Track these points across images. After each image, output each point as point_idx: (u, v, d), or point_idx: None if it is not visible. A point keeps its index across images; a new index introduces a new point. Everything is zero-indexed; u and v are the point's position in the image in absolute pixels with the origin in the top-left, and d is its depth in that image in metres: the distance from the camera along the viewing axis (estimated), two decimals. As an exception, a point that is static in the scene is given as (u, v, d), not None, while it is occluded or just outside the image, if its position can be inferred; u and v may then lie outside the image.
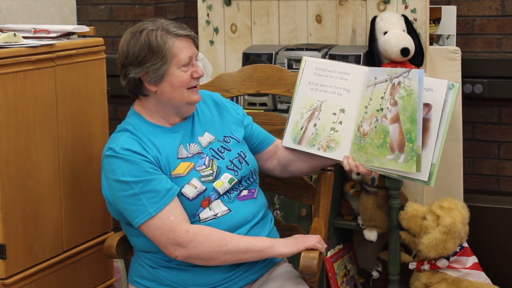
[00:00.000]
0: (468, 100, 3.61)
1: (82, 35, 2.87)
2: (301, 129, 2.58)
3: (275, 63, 3.42)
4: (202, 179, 2.43)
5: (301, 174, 2.70)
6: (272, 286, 2.44)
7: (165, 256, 2.41)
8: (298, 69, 2.64)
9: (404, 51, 3.29)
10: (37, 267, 2.61)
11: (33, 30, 2.73)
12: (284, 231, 2.68)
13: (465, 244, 3.20)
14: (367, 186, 3.31)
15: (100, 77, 2.87)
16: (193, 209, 2.40)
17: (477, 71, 3.60)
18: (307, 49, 3.42)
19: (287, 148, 2.62)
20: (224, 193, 2.45)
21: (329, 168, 2.71)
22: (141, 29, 2.42)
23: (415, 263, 3.25)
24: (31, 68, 2.54)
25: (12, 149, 2.48)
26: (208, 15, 3.78)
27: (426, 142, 2.39)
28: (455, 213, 3.13)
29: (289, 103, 3.31)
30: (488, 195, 3.65)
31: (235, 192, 2.48)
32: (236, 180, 2.48)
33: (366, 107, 2.48)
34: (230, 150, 2.52)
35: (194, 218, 2.40)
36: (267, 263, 2.50)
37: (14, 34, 2.55)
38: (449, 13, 3.58)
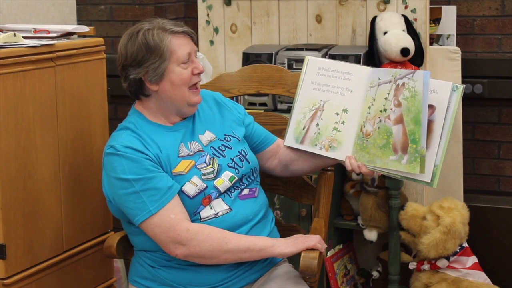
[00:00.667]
0: (468, 100, 3.61)
1: (82, 35, 2.87)
2: (303, 128, 2.58)
3: (275, 63, 3.42)
4: (203, 177, 2.43)
5: (302, 173, 2.70)
6: (272, 286, 2.44)
7: (165, 255, 2.41)
8: (298, 69, 2.65)
9: (404, 51, 3.29)
10: (37, 267, 2.61)
11: (33, 30, 2.73)
12: (284, 231, 2.68)
13: (465, 244, 3.20)
14: (367, 186, 3.31)
15: (100, 77, 2.87)
16: (193, 207, 2.40)
17: (477, 71, 3.60)
18: (307, 49, 3.42)
19: (289, 148, 2.62)
20: (225, 192, 2.45)
21: (329, 168, 2.71)
22: (138, 30, 2.43)
23: (415, 263, 3.25)
24: (31, 68, 2.54)
25: (12, 149, 2.48)
26: (208, 15, 3.78)
27: (430, 143, 2.39)
28: (455, 213, 3.13)
29: (289, 103, 3.32)
30: (488, 195, 3.65)
31: (236, 190, 2.48)
32: (236, 178, 2.48)
33: (369, 107, 2.48)
34: (231, 148, 2.53)
35: (194, 217, 2.40)
36: (267, 263, 2.50)
37: (14, 34, 2.55)
38: (449, 13, 3.58)
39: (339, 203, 3.45)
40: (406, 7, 3.45)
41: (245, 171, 2.51)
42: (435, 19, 3.59)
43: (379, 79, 2.49)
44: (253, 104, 3.47)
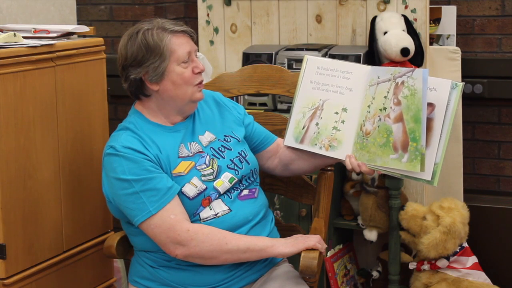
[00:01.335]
0: (468, 100, 3.61)
1: (82, 35, 2.87)
2: (303, 128, 2.58)
3: (275, 63, 3.42)
4: (203, 178, 2.43)
5: (302, 173, 2.70)
6: (272, 286, 2.44)
7: (165, 255, 2.41)
8: (298, 69, 2.64)
9: (404, 51, 3.29)
10: (37, 267, 2.61)
11: (33, 30, 2.73)
12: (284, 231, 2.68)
13: (465, 244, 3.20)
14: (367, 186, 3.31)
15: (100, 77, 2.87)
16: (193, 208, 2.40)
17: (477, 71, 3.60)
18: (307, 49, 3.42)
19: (288, 147, 2.62)
20: (225, 193, 2.45)
21: (329, 168, 2.71)
22: (138, 30, 2.43)
23: (415, 263, 3.25)
24: (31, 68, 2.54)
25: (12, 149, 2.48)
26: (208, 15, 3.78)
27: (430, 141, 2.39)
28: (455, 213, 3.13)
29: (289, 103, 3.32)
30: (488, 195, 3.65)
31: (235, 191, 2.48)
32: (236, 179, 2.48)
33: (369, 106, 2.48)
34: (231, 149, 2.53)
35: (194, 217, 2.40)
36: (267, 263, 2.50)
37: (14, 34, 2.55)
38: (449, 13, 3.58)
39: (339, 203, 3.45)
40: (406, 7, 3.45)
41: (244, 172, 2.51)
42: (435, 19, 3.59)
43: (378, 77, 2.49)
44: (253, 104, 3.47)
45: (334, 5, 3.57)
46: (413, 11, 3.44)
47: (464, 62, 3.53)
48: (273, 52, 3.48)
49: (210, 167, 2.46)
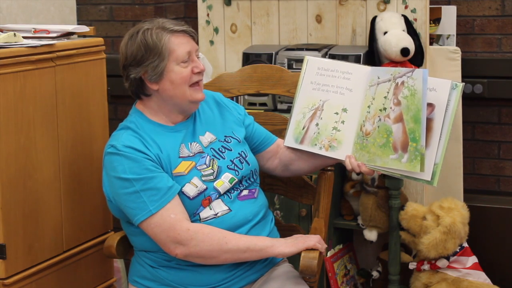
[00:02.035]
0: (468, 100, 3.61)
1: (82, 35, 2.87)
2: (303, 128, 2.58)
3: (275, 63, 3.42)
4: (203, 178, 2.43)
5: (303, 173, 2.70)
6: (272, 286, 2.44)
7: (165, 255, 2.41)
8: (298, 69, 2.64)
9: (404, 51, 3.29)
10: (37, 267, 2.61)
11: (33, 30, 2.73)
12: (284, 231, 2.68)
13: (465, 244, 3.20)
14: (367, 186, 3.31)
15: (100, 77, 2.87)
16: (193, 208, 2.40)
17: (477, 71, 3.60)
18: (307, 49, 3.42)
19: (289, 148, 2.62)
20: (225, 193, 2.45)
21: (329, 168, 2.71)
22: (138, 30, 2.44)
23: (415, 263, 3.25)
24: (31, 68, 2.54)
25: (12, 149, 2.48)
26: (208, 15, 3.78)
27: (429, 141, 2.39)
28: (455, 213, 3.13)
29: (289, 103, 3.32)
30: (488, 195, 3.65)
31: (235, 191, 2.48)
32: (236, 179, 2.48)
33: (369, 106, 2.48)
34: (231, 150, 2.53)
35: (194, 217, 2.40)
36: (267, 263, 2.50)
37: (14, 34, 2.55)
38: (449, 13, 3.58)
39: (339, 203, 3.45)
40: (406, 7, 3.45)
41: (245, 173, 2.51)
42: (435, 19, 3.59)
43: (378, 78, 2.49)
44: (253, 104, 3.47)
45: (334, 5, 3.57)
46: (413, 11, 3.44)
47: (464, 62, 3.53)
48: (273, 52, 3.47)
49: (210, 167, 2.46)
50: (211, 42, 3.79)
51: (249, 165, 2.54)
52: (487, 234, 3.47)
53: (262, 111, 3.00)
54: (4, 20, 3.52)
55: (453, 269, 3.18)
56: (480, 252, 3.30)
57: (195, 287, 2.41)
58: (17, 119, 2.50)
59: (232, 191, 2.47)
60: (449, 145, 2.42)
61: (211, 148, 2.51)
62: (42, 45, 2.58)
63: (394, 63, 3.32)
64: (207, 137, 2.52)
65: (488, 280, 3.22)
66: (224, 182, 2.45)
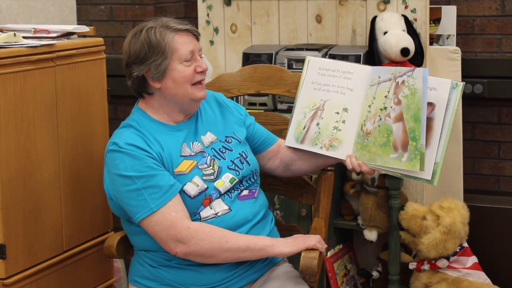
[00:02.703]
0: (468, 100, 3.61)
1: (82, 35, 2.87)
2: (303, 128, 2.58)
3: (275, 63, 3.42)
4: (204, 178, 2.43)
5: (303, 173, 2.70)
6: (272, 286, 2.44)
7: (166, 255, 2.41)
8: (298, 69, 2.65)
9: (404, 51, 3.29)
10: (37, 267, 2.61)
11: (33, 30, 2.73)
12: (284, 231, 2.68)
13: (465, 244, 3.20)
14: (367, 186, 3.31)
15: (100, 77, 2.87)
16: (194, 207, 2.40)
17: (477, 71, 3.60)
18: (307, 49, 3.42)
19: (289, 148, 2.62)
20: (225, 192, 2.45)
21: (329, 168, 2.71)
22: (141, 28, 2.45)
23: (415, 263, 3.25)
24: (31, 68, 2.54)
25: (12, 149, 2.48)
26: (208, 15, 3.78)
27: (430, 141, 2.40)
28: (455, 213, 3.13)
29: (289, 103, 3.33)
30: (488, 195, 3.65)
31: (236, 191, 2.48)
32: (237, 179, 2.48)
33: (369, 106, 2.48)
34: (232, 150, 2.53)
35: (195, 216, 2.41)
36: (267, 263, 2.50)
37: (14, 34, 2.55)
38: (449, 13, 3.58)
39: (339, 203, 3.45)
40: (406, 7, 3.45)
41: (245, 173, 2.52)
42: (435, 19, 3.59)
43: (379, 77, 2.49)
44: (253, 104, 3.47)
45: (334, 5, 3.57)
46: (413, 11, 3.44)
47: (464, 62, 3.53)
48: (273, 52, 3.47)
49: (211, 167, 2.46)
50: (211, 42, 3.79)
51: (249, 165, 2.54)
52: (487, 234, 3.47)
53: (262, 111, 3.00)
54: (4, 20, 3.52)
55: (453, 269, 3.18)
56: (480, 252, 3.30)
57: (195, 286, 2.42)
58: (17, 119, 2.50)
59: (233, 191, 2.48)
60: (449, 145, 2.42)
61: (212, 148, 2.51)
62: (42, 45, 2.58)
63: (394, 63, 3.32)
64: (208, 137, 2.52)
65: (488, 280, 3.22)
66: (224, 182, 2.46)
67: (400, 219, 3.21)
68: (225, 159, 2.50)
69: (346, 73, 2.56)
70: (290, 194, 2.81)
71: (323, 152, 2.55)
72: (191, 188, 2.40)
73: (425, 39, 3.42)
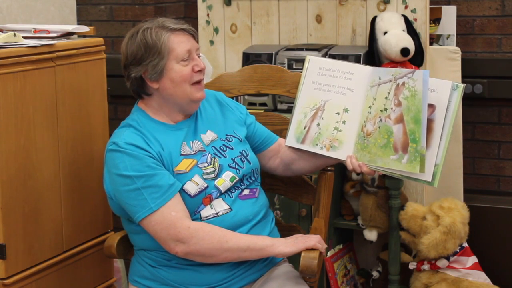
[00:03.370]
0: (468, 100, 3.61)
1: (82, 35, 2.87)
2: (304, 128, 2.58)
3: (275, 63, 3.42)
4: (204, 177, 2.43)
5: (304, 173, 2.70)
6: (272, 286, 2.44)
7: (166, 255, 2.41)
8: (298, 69, 2.65)
9: (404, 51, 3.29)
10: (37, 267, 2.61)
11: (33, 30, 2.73)
12: (284, 231, 2.68)
13: (465, 244, 3.20)
14: (367, 186, 3.31)
15: (100, 77, 2.87)
16: (194, 206, 2.40)
17: (477, 71, 3.60)
18: (307, 49, 3.42)
19: (290, 147, 2.62)
20: (226, 191, 2.45)
21: (329, 168, 2.71)
22: (138, 29, 2.46)
23: (415, 263, 3.25)
24: (31, 68, 2.54)
25: (12, 149, 2.48)
26: (208, 15, 3.78)
27: (430, 142, 2.39)
28: (455, 213, 3.13)
29: (289, 103, 3.32)
30: (488, 195, 3.65)
31: (236, 191, 2.48)
32: (237, 178, 2.48)
33: (370, 107, 2.48)
34: (232, 149, 2.53)
35: (195, 216, 2.41)
36: (268, 263, 2.50)
37: (14, 34, 2.55)
38: (449, 13, 3.58)
39: (339, 203, 3.45)
40: (406, 7, 3.45)
41: (246, 172, 2.52)
42: (435, 19, 3.59)
43: (379, 78, 2.49)
44: (253, 104, 3.47)
45: (334, 5, 3.57)
46: (413, 11, 3.44)
47: (464, 62, 3.53)
48: (273, 52, 3.47)
49: (212, 165, 2.46)
50: (211, 42, 3.79)
51: (250, 163, 2.54)
52: (487, 234, 3.47)
53: (262, 111, 3.00)
54: (4, 20, 3.52)
55: (453, 269, 3.18)
56: (480, 252, 3.30)
57: (195, 286, 2.42)
58: (17, 119, 2.50)
59: (233, 190, 2.48)
60: (449, 145, 2.42)
61: (213, 146, 2.51)
62: (42, 45, 2.58)
63: (394, 63, 3.32)
64: (208, 136, 2.52)
65: (488, 280, 3.22)
66: (225, 180, 2.46)
67: (400, 219, 3.21)
68: (226, 157, 2.50)
69: (346, 74, 2.56)
70: (290, 194, 2.81)
71: (324, 152, 2.55)
72: (191, 187, 2.41)
73: (425, 39, 3.42)
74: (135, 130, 2.43)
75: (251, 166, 2.54)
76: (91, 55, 2.82)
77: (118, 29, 3.97)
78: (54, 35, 2.72)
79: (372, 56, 3.37)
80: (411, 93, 2.40)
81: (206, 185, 2.42)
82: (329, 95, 2.57)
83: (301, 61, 2.63)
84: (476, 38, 3.65)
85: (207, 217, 2.41)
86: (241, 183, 2.51)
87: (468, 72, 3.56)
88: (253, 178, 2.55)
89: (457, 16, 3.59)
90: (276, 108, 3.46)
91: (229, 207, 2.44)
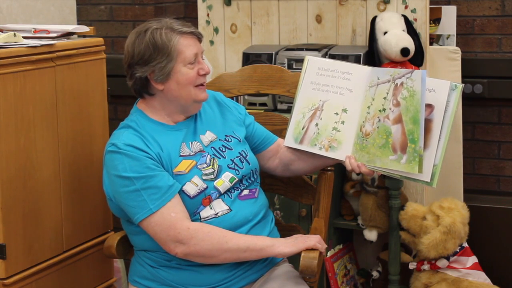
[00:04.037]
0: (468, 100, 3.61)
1: (82, 35, 2.87)
2: (302, 128, 2.58)
3: (275, 63, 3.42)
4: (204, 177, 2.43)
5: (303, 173, 2.70)
6: (272, 286, 2.44)
7: (165, 255, 2.41)
8: (298, 69, 2.64)
9: (404, 51, 3.29)
10: (37, 267, 2.61)
11: (33, 30, 2.73)
12: (284, 231, 2.68)
13: (465, 244, 3.20)
14: (367, 186, 3.31)
15: (100, 77, 2.87)
16: (193, 207, 2.40)
17: (477, 71, 3.60)
18: (307, 49, 3.42)
19: (289, 148, 2.62)
20: (225, 192, 2.45)
21: (329, 168, 2.71)
22: (146, 29, 2.44)
23: (415, 263, 3.25)
24: (31, 68, 2.54)
25: (12, 149, 2.48)
26: (208, 15, 3.78)
27: (429, 142, 2.39)
28: (455, 213, 3.13)
29: (289, 103, 3.32)
30: (488, 195, 3.65)
31: (236, 191, 2.48)
32: (237, 179, 2.48)
33: (368, 107, 2.48)
34: (232, 149, 2.53)
35: (194, 216, 2.41)
36: (267, 263, 2.50)
37: (14, 34, 2.55)
38: (449, 13, 3.58)
39: (339, 203, 3.45)
40: (406, 7, 3.45)
41: (245, 172, 2.52)
42: (435, 19, 3.59)
43: (378, 78, 2.49)
44: (253, 104, 3.47)
45: (334, 5, 3.57)
46: (413, 11, 3.44)
47: (464, 62, 3.52)
48: (273, 52, 3.48)
49: (211, 166, 2.46)
50: (211, 42, 3.79)
51: (249, 164, 2.54)
52: (487, 234, 3.47)
53: (262, 111, 3.00)
54: (4, 20, 3.52)
55: (453, 269, 3.18)
56: (480, 252, 3.30)
57: (195, 287, 2.42)
58: (17, 119, 2.50)
59: (233, 191, 2.48)
60: (449, 145, 2.42)
61: (212, 147, 2.51)
62: (42, 45, 2.58)
63: (394, 63, 3.32)
64: (207, 136, 2.52)
65: (488, 280, 3.22)
66: (224, 181, 2.46)
67: (400, 219, 3.21)
68: (225, 158, 2.50)
69: (345, 74, 2.56)
70: (290, 194, 2.81)
71: (322, 152, 2.55)
72: (191, 188, 2.40)
73: (425, 39, 3.42)
74: (134, 131, 2.43)
75: (250, 166, 2.54)
76: (91, 55, 2.82)
77: (118, 29, 3.97)
78: (54, 35, 2.73)
79: (372, 56, 3.37)
80: (410, 93, 2.40)
81: (205, 186, 2.42)
82: (327, 95, 2.57)
83: (301, 61, 2.63)
84: (476, 38, 3.65)
85: (206, 217, 2.41)
86: (241, 184, 2.50)
87: (468, 72, 3.56)
88: (252, 179, 2.55)
89: (457, 16, 3.59)
90: (276, 108, 3.46)
91: (228, 208, 2.44)
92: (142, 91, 2.47)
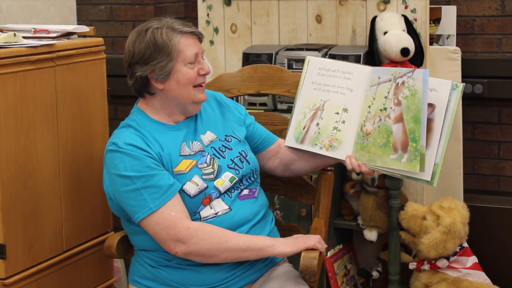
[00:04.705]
0: (468, 100, 3.61)
1: (82, 35, 2.87)
2: (303, 128, 2.58)
3: (275, 63, 3.42)
4: (204, 177, 2.43)
5: (303, 173, 2.70)
6: (272, 286, 2.44)
7: (166, 255, 2.41)
8: (298, 69, 2.65)
9: (404, 51, 3.29)
10: (37, 267, 2.61)
11: (33, 30, 2.73)
12: (284, 231, 2.68)
13: (465, 244, 3.20)
14: (367, 186, 3.31)
15: (100, 77, 2.87)
16: (194, 206, 2.40)
17: (477, 71, 3.60)
18: (307, 49, 3.42)
19: (289, 148, 2.62)
20: (225, 192, 2.45)
21: (329, 168, 2.71)
22: (146, 28, 2.44)
23: (415, 263, 3.25)
24: (31, 68, 2.54)
25: (12, 149, 2.48)
26: (208, 15, 3.78)
27: (430, 142, 2.40)
28: (455, 213, 3.13)
29: (289, 103, 3.33)
30: (488, 195, 3.65)
31: (236, 191, 2.48)
32: (237, 178, 2.48)
33: (369, 106, 2.48)
34: (232, 149, 2.53)
35: (194, 216, 2.41)
36: (268, 263, 2.50)
37: (14, 34, 2.55)
38: (449, 13, 3.58)
39: (339, 203, 3.45)
40: (406, 7, 3.45)
41: (245, 172, 2.52)
42: (435, 19, 3.59)
43: (379, 78, 2.49)
44: (253, 104, 3.47)
45: (334, 5, 3.57)
46: (413, 11, 3.44)
47: (464, 62, 3.53)
48: (273, 52, 3.48)
49: (211, 166, 2.46)
50: (211, 42, 3.79)
51: (249, 164, 2.54)
52: (487, 234, 3.47)
53: (262, 111, 3.00)
54: (4, 20, 3.52)
55: (453, 269, 3.18)
56: (480, 252, 3.30)
57: (195, 286, 2.42)
58: (17, 119, 2.50)
59: (233, 190, 2.48)
60: (449, 145, 2.42)
61: (212, 147, 2.51)
62: (42, 45, 2.58)
63: (394, 63, 3.32)
64: (208, 136, 2.53)
65: (488, 280, 3.22)
66: (224, 181, 2.46)
67: (400, 219, 3.21)
68: (225, 158, 2.50)
69: (346, 73, 2.56)
70: (290, 194, 2.81)
71: (323, 152, 2.55)
72: (191, 188, 2.41)
73: (425, 39, 3.42)
74: (135, 131, 2.43)
75: (250, 166, 2.54)
76: (91, 55, 2.83)
77: (118, 29, 3.97)
78: (54, 35, 2.73)
79: (372, 56, 3.37)
80: (411, 92, 2.40)
81: (205, 185, 2.42)
82: (328, 95, 2.57)
83: (301, 61, 2.63)
84: (476, 38, 3.65)
85: (206, 217, 2.41)
86: (241, 184, 2.51)
87: (468, 72, 3.56)
88: (252, 179, 2.55)
89: (457, 16, 3.59)
90: (276, 108, 3.46)
91: (228, 207, 2.44)
92: (142, 91, 2.48)
